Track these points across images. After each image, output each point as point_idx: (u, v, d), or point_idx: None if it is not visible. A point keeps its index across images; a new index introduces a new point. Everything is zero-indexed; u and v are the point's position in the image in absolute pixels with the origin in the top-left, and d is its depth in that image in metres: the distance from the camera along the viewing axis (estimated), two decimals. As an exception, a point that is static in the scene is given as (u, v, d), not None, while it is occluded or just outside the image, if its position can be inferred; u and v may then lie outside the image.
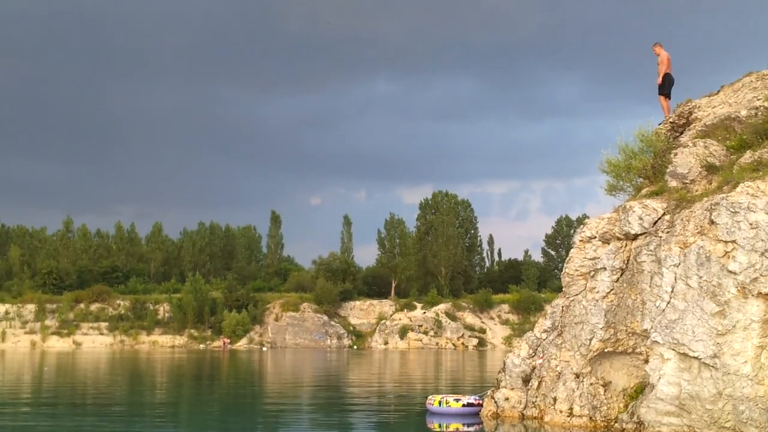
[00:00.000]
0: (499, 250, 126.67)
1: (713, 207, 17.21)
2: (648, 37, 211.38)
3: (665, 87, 23.39)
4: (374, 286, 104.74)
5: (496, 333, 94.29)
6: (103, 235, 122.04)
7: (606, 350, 19.29)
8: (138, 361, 58.22)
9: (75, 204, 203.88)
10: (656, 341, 17.43)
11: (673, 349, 17.09)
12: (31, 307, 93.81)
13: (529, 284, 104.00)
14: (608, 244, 20.01)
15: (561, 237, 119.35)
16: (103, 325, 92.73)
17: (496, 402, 21.36)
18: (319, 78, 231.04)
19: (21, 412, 23.20)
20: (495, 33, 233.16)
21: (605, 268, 19.72)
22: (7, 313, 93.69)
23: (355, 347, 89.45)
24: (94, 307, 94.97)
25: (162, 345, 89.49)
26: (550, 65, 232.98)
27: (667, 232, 18.32)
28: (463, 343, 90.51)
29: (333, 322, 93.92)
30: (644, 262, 18.51)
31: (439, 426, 20.93)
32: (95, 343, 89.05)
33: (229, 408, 25.20)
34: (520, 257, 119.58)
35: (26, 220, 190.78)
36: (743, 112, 20.48)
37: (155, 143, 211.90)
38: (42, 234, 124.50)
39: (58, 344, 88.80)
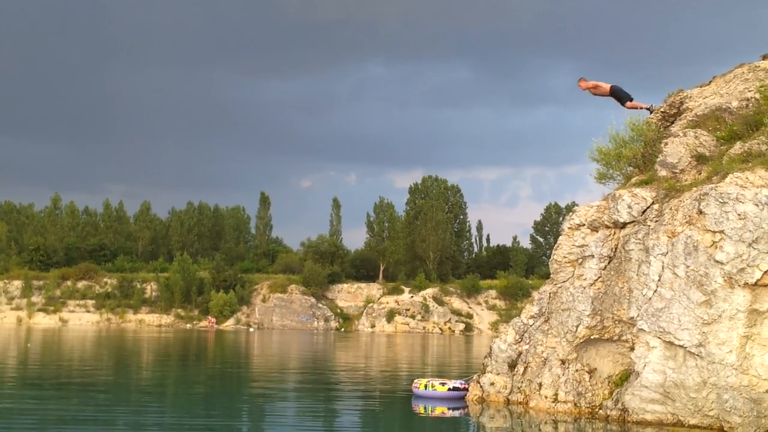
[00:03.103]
0: (488, 236, 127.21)
1: (702, 197, 17.28)
2: (644, 28, 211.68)
3: (621, 95, 22.66)
4: (362, 270, 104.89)
5: (483, 318, 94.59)
6: (91, 213, 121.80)
7: (592, 337, 19.38)
8: (124, 339, 58.17)
9: (63, 181, 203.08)
10: (642, 329, 17.53)
11: (659, 338, 17.19)
12: (17, 283, 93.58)
13: (516, 270, 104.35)
14: (597, 231, 20.07)
15: (550, 224, 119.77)
16: (90, 302, 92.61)
17: (481, 386, 21.45)
18: (312, 62, 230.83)
19: (4, 393, 23.12)
20: (490, 21, 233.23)
21: (593, 256, 19.79)
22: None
23: (342, 330, 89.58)
24: (80, 284, 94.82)
25: (148, 324, 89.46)
26: (544, 54, 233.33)
27: (656, 221, 18.38)
28: (449, 328, 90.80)
29: (320, 305, 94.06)
30: (632, 250, 18.58)
31: (425, 409, 21.00)
32: (81, 321, 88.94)
33: (215, 391, 25.20)
34: (509, 243, 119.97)
35: (14, 197, 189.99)
36: (734, 103, 20.52)
37: (146, 123, 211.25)
38: (29, 210, 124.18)
39: (44, 321, 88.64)
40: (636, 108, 22.69)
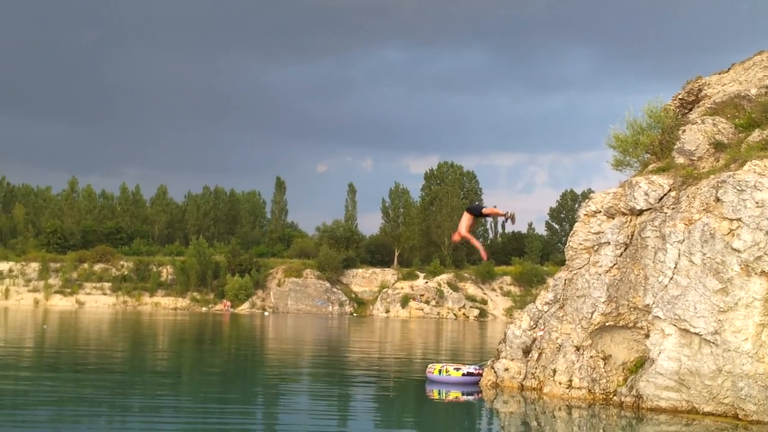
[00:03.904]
0: (503, 222, 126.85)
1: (720, 184, 17.20)
2: (659, 13, 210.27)
3: (476, 212, 21.67)
4: (377, 255, 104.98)
5: (498, 304, 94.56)
6: (107, 197, 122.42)
7: (607, 324, 19.36)
8: (140, 322, 58.48)
9: (80, 165, 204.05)
10: (658, 316, 17.49)
11: (675, 325, 17.15)
12: (34, 266, 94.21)
13: (531, 257, 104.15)
14: (613, 218, 20.02)
15: (565, 211, 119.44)
16: (107, 285, 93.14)
17: (495, 372, 21.49)
18: (328, 46, 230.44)
19: (21, 375, 23.25)
20: (506, 6, 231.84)
21: (609, 243, 19.75)
22: (11, 270, 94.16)
23: (356, 314, 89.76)
24: (97, 267, 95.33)
25: (164, 307, 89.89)
26: (560, 39, 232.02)
27: (673, 208, 18.32)
28: (464, 314, 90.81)
29: (335, 289, 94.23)
30: (648, 237, 18.53)
31: (439, 394, 21.06)
32: (98, 303, 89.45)
33: (230, 376, 25.29)
34: (524, 230, 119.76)
35: (31, 180, 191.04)
36: (753, 91, 20.40)
37: (163, 107, 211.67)
38: (47, 193, 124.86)
39: (61, 303, 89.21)
40: (493, 213, 21.87)
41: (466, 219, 20.80)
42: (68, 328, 48.79)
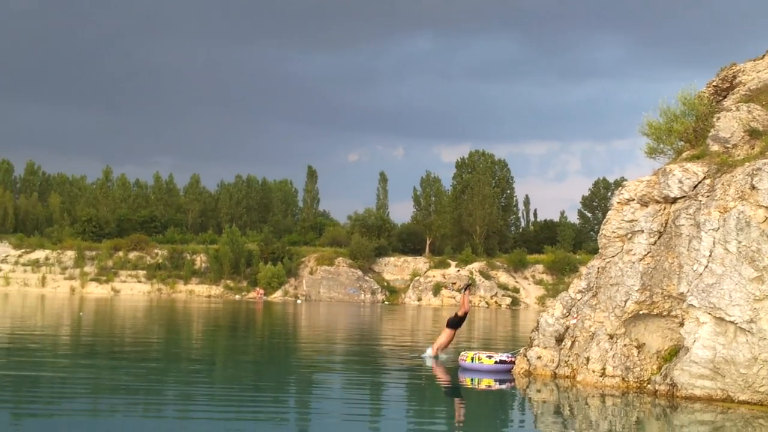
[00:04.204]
0: (535, 210, 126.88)
1: (755, 172, 17.05)
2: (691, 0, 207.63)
3: (454, 321, 25.00)
4: (409, 243, 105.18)
5: (530, 293, 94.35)
6: (141, 185, 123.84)
7: (641, 312, 19.28)
8: (175, 310, 58.98)
9: (114, 154, 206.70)
10: (692, 305, 17.40)
11: (709, 313, 17.05)
12: (70, 254, 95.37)
13: (564, 245, 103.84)
14: (647, 206, 19.91)
15: (598, 199, 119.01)
16: (141, 273, 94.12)
17: (528, 360, 21.49)
18: (359, 35, 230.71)
19: (59, 362, 23.50)
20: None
21: (643, 231, 19.64)
22: (47, 258, 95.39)
23: (386, 303, 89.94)
24: (132, 255, 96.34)
25: (198, 294, 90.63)
26: (592, 27, 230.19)
27: (707, 196, 18.19)
28: (496, 302, 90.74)
29: (367, 277, 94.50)
30: (683, 225, 18.41)
31: (471, 382, 21.10)
32: (133, 291, 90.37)
33: (263, 364, 25.45)
34: (556, 218, 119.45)
35: (66, 169, 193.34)
36: (790, 77, 20.17)
37: (195, 97, 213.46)
38: (82, 182, 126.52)
39: (96, 290, 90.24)
40: (465, 301, 24.18)
41: (446, 335, 22.91)
42: (104, 315, 49.32)
